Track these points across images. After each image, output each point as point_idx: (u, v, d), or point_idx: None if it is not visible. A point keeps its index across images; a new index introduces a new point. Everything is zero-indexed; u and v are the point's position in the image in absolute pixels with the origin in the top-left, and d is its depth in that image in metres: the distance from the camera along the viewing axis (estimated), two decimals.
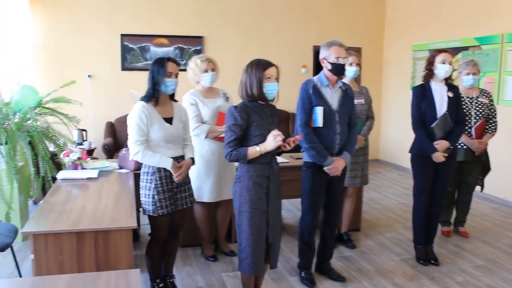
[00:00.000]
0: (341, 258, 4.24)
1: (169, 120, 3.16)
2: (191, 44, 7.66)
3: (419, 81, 4.07)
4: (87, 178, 3.66)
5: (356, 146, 4.26)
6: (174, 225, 3.31)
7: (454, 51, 6.69)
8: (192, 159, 3.29)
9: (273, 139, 2.81)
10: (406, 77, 8.23)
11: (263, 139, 2.85)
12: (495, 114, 4.70)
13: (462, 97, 4.51)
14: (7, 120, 4.35)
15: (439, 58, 3.89)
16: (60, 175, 3.71)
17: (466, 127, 4.51)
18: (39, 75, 6.88)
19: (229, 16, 7.86)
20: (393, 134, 8.72)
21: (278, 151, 2.95)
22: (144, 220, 3.27)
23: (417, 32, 7.96)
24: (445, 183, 4.10)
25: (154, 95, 3.08)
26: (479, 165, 4.77)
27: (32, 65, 6.88)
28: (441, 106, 3.92)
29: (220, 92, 4.11)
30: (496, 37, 6.30)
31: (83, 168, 3.92)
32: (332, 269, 3.86)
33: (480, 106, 4.61)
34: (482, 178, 4.90)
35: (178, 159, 3.21)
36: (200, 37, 7.70)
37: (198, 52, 7.51)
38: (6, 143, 4.22)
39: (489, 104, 4.67)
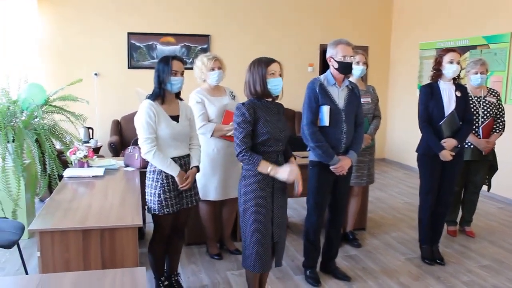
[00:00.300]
0: (346, 257, 4.23)
1: (175, 118, 3.16)
2: (197, 43, 7.67)
3: (426, 80, 4.05)
4: (93, 176, 3.68)
5: (362, 145, 4.26)
6: (179, 224, 3.32)
7: (462, 50, 6.65)
8: (197, 167, 3.30)
9: (289, 174, 2.85)
10: (413, 76, 8.19)
11: (269, 136, 2.86)
12: (503, 114, 4.67)
13: (470, 97, 4.48)
14: (14, 118, 4.38)
15: (446, 57, 3.88)
16: (67, 173, 3.73)
17: (474, 127, 4.49)
18: (46, 73, 6.92)
19: (235, 15, 7.86)
20: (399, 133, 8.69)
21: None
22: (150, 218, 3.28)
23: (424, 31, 7.92)
24: (452, 182, 4.08)
25: (160, 94, 3.09)
26: (486, 164, 4.75)
27: (39, 63, 6.91)
28: (449, 105, 3.90)
29: (226, 90, 4.11)
30: (505, 36, 6.26)
31: (89, 166, 3.94)
32: (337, 268, 3.86)
33: (488, 106, 4.58)
34: (489, 178, 4.87)
35: (185, 157, 3.22)
36: (206, 36, 7.71)
37: (204, 50, 7.52)
38: (13, 141, 4.25)
39: (497, 104, 4.64)
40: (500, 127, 4.64)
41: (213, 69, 3.92)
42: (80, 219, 2.65)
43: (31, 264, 3.88)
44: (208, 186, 3.95)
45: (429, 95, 3.94)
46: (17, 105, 4.41)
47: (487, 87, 4.75)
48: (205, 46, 7.67)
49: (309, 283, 3.70)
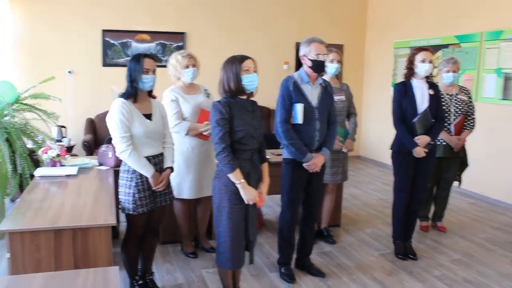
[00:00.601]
0: (321, 254, 4.27)
1: (148, 116, 3.14)
2: (173, 40, 7.62)
3: (400, 79, 4.12)
4: (66, 175, 3.62)
5: (345, 150, 4.31)
6: (153, 222, 3.30)
7: (435, 48, 6.76)
8: (171, 167, 3.28)
9: (249, 200, 2.88)
10: (388, 74, 8.30)
11: (244, 134, 2.86)
12: (474, 111, 4.77)
13: (442, 94, 4.57)
14: None
15: (419, 57, 3.95)
16: (38, 172, 3.66)
17: (446, 124, 4.57)
18: (18, 71, 6.77)
19: (211, 12, 7.83)
20: (374, 130, 8.80)
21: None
22: (124, 217, 3.25)
23: (398, 30, 8.03)
24: (425, 179, 4.16)
25: (132, 92, 3.06)
26: (457, 161, 4.84)
27: (10, 60, 6.77)
28: (422, 103, 3.97)
29: (201, 88, 4.10)
30: (475, 36, 6.39)
31: (62, 165, 3.88)
32: (312, 264, 3.89)
33: (459, 103, 4.67)
34: (460, 174, 4.97)
35: (158, 156, 3.20)
36: (182, 33, 7.66)
37: (180, 48, 7.47)
38: None
39: (468, 101, 4.74)
40: (471, 124, 4.74)
41: (187, 67, 3.90)
42: (51, 219, 2.61)
43: (1, 266, 3.80)
44: (183, 185, 3.94)
45: (403, 93, 4.01)
46: None
47: (459, 85, 4.84)
48: (180, 44, 7.62)
49: (284, 280, 3.72)
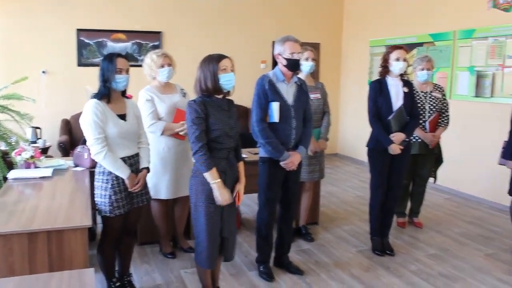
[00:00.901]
0: (300, 252, 4.29)
1: (122, 117, 3.11)
2: (149, 40, 7.56)
3: (376, 77, 4.17)
4: (40, 177, 3.56)
5: (318, 150, 4.33)
6: (130, 224, 3.27)
7: (410, 47, 6.86)
8: (148, 168, 3.26)
9: (222, 200, 2.87)
10: (364, 72, 8.38)
11: (221, 133, 2.86)
12: (448, 108, 4.86)
13: (417, 92, 4.65)
14: None
15: (393, 55, 4.00)
16: (12, 174, 3.59)
17: (421, 121, 4.64)
18: None
19: (187, 11, 7.79)
20: (351, 128, 8.88)
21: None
22: (101, 218, 3.22)
23: (374, 28, 8.12)
24: (401, 176, 4.21)
25: (105, 93, 3.03)
26: (433, 157, 4.92)
27: None
28: (397, 101, 4.02)
29: (177, 87, 4.07)
30: (449, 34, 6.50)
31: (36, 167, 3.82)
32: (290, 262, 3.90)
33: (433, 101, 4.75)
34: (435, 170, 5.05)
35: (134, 157, 3.18)
36: (158, 33, 7.60)
37: (156, 47, 7.41)
38: None
39: (442, 99, 4.82)
40: (445, 121, 4.82)
41: (162, 66, 3.87)
42: (25, 222, 2.56)
43: None
44: (159, 185, 3.91)
45: (378, 91, 4.05)
46: None
47: (433, 83, 4.93)
48: (156, 43, 7.57)
49: (262, 278, 3.73)
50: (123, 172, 3.05)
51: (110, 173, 3.04)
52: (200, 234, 2.95)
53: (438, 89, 4.85)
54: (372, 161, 4.20)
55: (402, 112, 4.00)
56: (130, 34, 7.46)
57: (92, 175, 3.48)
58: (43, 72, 7.01)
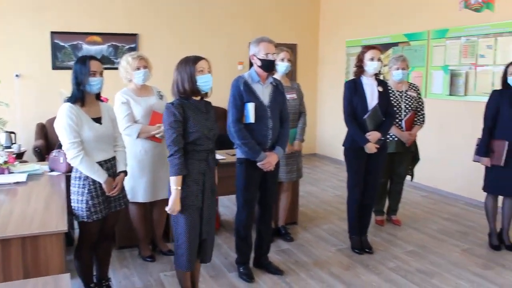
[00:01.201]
0: (279, 252, 4.31)
1: (98, 120, 3.07)
2: (125, 42, 7.49)
3: (352, 76, 4.21)
4: (14, 183, 3.50)
5: (294, 150, 4.34)
6: (107, 228, 3.24)
7: (385, 47, 6.95)
8: (125, 171, 3.24)
9: (170, 209, 2.86)
10: (341, 72, 8.45)
11: (199, 136, 2.86)
12: (423, 107, 4.93)
13: (392, 91, 4.71)
14: None
15: (368, 55, 4.04)
16: None
17: (397, 120, 4.70)
18: None
19: (163, 13, 7.75)
20: (328, 128, 8.94)
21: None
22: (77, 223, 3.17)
23: (350, 29, 8.20)
24: (377, 175, 4.26)
25: (79, 96, 2.98)
26: (409, 156, 4.99)
27: None
28: (372, 100, 4.06)
29: (154, 90, 4.05)
30: (423, 34, 6.61)
31: (10, 172, 3.75)
32: (270, 263, 3.91)
33: (409, 99, 4.81)
34: (412, 168, 5.12)
35: (111, 160, 3.14)
36: (134, 35, 7.54)
37: (132, 49, 7.37)
38: None
39: (417, 97, 4.88)
40: (421, 119, 4.89)
41: (138, 68, 3.84)
42: None
43: None
44: (137, 188, 3.88)
45: (353, 90, 4.09)
46: None
47: (408, 82, 4.99)
48: (133, 46, 7.51)
49: (242, 280, 3.72)
50: (100, 176, 3.01)
51: (86, 177, 3.00)
52: (180, 236, 2.93)
53: (414, 88, 4.92)
54: (349, 160, 4.24)
55: (377, 111, 4.05)
56: (106, 36, 7.38)
57: (68, 179, 3.43)
58: (17, 75, 6.88)
